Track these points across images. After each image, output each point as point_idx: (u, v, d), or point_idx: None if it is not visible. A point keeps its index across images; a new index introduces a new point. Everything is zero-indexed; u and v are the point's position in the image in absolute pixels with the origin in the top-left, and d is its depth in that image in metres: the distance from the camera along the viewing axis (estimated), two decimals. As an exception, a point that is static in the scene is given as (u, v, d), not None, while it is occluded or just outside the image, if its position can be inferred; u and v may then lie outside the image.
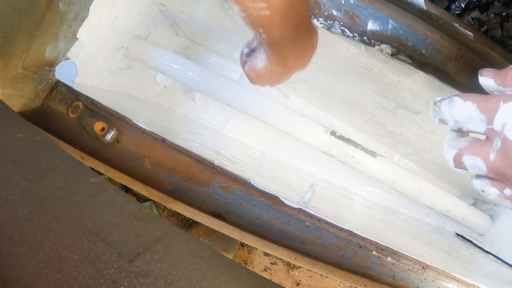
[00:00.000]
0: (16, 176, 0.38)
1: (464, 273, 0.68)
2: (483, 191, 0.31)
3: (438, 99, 0.34)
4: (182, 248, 0.41)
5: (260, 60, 0.40)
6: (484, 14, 0.69)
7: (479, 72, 0.35)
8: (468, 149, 0.31)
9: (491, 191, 0.31)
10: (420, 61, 0.62)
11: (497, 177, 0.29)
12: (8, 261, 0.29)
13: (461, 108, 0.31)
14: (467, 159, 0.31)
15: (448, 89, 0.66)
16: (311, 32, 0.40)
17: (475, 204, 1.06)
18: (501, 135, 0.27)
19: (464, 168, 0.32)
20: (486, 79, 0.33)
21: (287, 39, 0.35)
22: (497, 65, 0.61)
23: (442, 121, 0.34)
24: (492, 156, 0.28)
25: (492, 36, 0.68)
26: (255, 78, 0.43)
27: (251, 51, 0.44)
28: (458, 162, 0.32)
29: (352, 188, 1.08)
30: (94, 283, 0.31)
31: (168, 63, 0.83)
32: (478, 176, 0.31)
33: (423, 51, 0.62)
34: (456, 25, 0.60)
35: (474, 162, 0.30)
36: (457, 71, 0.64)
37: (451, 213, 0.96)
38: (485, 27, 0.69)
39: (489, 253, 0.93)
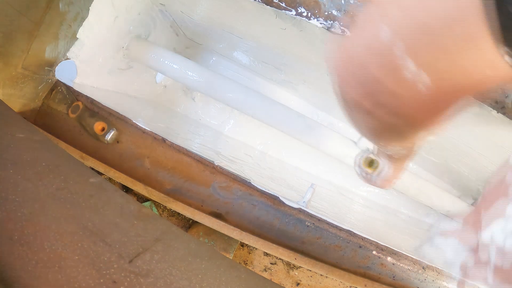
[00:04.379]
0: (16, 176, 0.38)
1: (464, 273, 0.68)
2: None
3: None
4: (182, 248, 0.41)
5: (388, 171, 0.52)
6: (484, 14, 0.69)
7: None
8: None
9: None
10: (420, 61, 0.62)
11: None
12: (8, 261, 0.29)
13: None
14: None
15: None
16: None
17: (475, 204, 1.06)
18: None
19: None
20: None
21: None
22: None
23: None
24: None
25: (492, 36, 0.68)
26: (387, 184, 0.55)
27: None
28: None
29: (352, 188, 1.08)
30: (94, 283, 0.31)
31: (168, 63, 0.83)
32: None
33: (423, 51, 0.62)
34: (456, 25, 0.59)
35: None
36: (457, 71, 0.64)
37: (451, 213, 0.96)
38: (485, 27, 0.69)
39: (489, 253, 0.93)
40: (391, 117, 0.25)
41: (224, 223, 0.62)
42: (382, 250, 0.65)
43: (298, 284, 1.05)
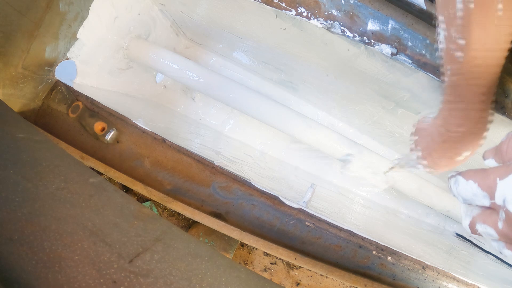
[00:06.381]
0: (16, 176, 0.38)
1: (464, 273, 0.68)
2: (501, 253, 0.35)
3: (449, 175, 0.38)
4: (182, 248, 0.41)
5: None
6: (484, 14, 0.69)
7: (482, 156, 0.38)
8: (479, 218, 0.34)
9: (507, 253, 0.34)
10: (420, 61, 0.62)
11: (509, 241, 0.32)
12: (8, 261, 0.29)
13: (465, 188, 0.34)
14: (479, 227, 0.34)
15: (448, 89, 0.66)
16: None
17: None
18: (504, 208, 0.30)
19: (479, 234, 0.35)
20: (489, 161, 0.36)
21: None
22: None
23: (455, 197, 0.38)
24: (500, 225, 0.31)
25: (492, 36, 0.68)
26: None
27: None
28: (473, 229, 0.36)
29: (352, 188, 1.08)
30: (94, 283, 0.31)
31: (168, 63, 0.83)
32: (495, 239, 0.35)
33: (423, 51, 0.62)
34: (456, 25, 0.59)
35: (486, 230, 0.34)
36: (457, 71, 0.63)
37: (451, 213, 0.96)
38: (485, 27, 0.69)
39: (489, 253, 0.93)
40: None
41: (224, 223, 0.62)
42: (382, 250, 0.65)
43: (298, 284, 1.05)
